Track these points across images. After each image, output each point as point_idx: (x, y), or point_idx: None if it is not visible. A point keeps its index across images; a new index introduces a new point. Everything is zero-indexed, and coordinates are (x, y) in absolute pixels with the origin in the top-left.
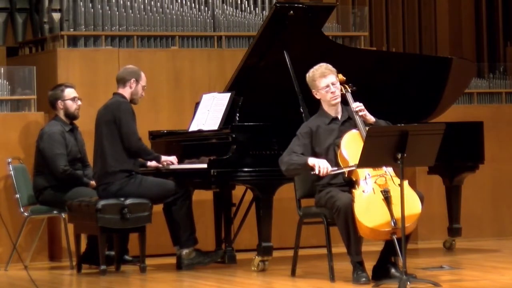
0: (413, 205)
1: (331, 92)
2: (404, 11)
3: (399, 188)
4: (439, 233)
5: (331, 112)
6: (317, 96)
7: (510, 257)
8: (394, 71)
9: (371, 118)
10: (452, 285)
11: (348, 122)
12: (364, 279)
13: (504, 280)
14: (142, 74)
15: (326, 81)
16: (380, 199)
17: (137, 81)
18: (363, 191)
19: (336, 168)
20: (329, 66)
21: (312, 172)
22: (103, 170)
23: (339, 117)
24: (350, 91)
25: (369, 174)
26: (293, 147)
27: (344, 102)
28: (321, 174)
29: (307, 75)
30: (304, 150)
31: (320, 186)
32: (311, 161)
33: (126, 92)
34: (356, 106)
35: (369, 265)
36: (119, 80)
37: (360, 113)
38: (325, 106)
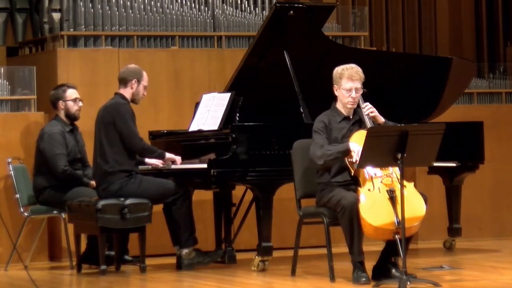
0: (418, 207)
1: (351, 97)
2: (404, 11)
3: (405, 188)
4: (439, 233)
5: (344, 111)
6: (336, 93)
7: (510, 257)
8: (394, 71)
9: (380, 119)
10: (452, 285)
11: (358, 124)
12: (364, 279)
13: (504, 280)
14: (144, 74)
15: (351, 84)
16: (385, 198)
17: (139, 81)
18: (369, 190)
19: None
20: (360, 71)
21: (349, 159)
22: (102, 170)
23: (351, 117)
24: (361, 93)
25: (375, 174)
26: (318, 141)
27: None
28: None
29: (336, 69)
30: (328, 143)
31: (323, 185)
32: (354, 146)
33: (127, 92)
34: (366, 107)
35: (369, 265)
36: (120, 80)
37: (371, 114)
38: (339, 105)
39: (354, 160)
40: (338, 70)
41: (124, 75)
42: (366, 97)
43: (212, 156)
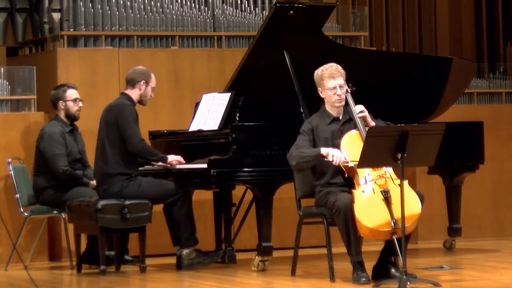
0: (413, 205)
1: (337, 95)
2: (404, 11)
3: (399, 188)
4: (439, 233)
5: (333, 112)
6: (322, 95)
7: (510, 257)
8: (394, 71)
9: (371, 122)
10: (452, 285)
11: (349, 123)
12: (364, 279)
13: (504, 280)
14: (152, 76)
15: (334, 82)
16: (380, 199)
17: (147, 82)
18: (363, 191)
19: (348, 160)
20: (339, 68)
21: (325, 159)
22: (104, 170)
23: (340, 117)
24: (350, 91)
25: (369, 174)
26: (299, 142)
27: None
28: (334, 162)
29: (316, 72)
30: (309, 146)
31: (320, 186)
32: (324, 150)
33: (134, 93)
34: (358, 109)
35: (369, 265)
36: (128, 81)
37: (361, 114)
38: (327, 106)
39: (330, 160)
40: (318, 72)
41: (132, 76)
42: (366, 96)
43: (211, 156)
